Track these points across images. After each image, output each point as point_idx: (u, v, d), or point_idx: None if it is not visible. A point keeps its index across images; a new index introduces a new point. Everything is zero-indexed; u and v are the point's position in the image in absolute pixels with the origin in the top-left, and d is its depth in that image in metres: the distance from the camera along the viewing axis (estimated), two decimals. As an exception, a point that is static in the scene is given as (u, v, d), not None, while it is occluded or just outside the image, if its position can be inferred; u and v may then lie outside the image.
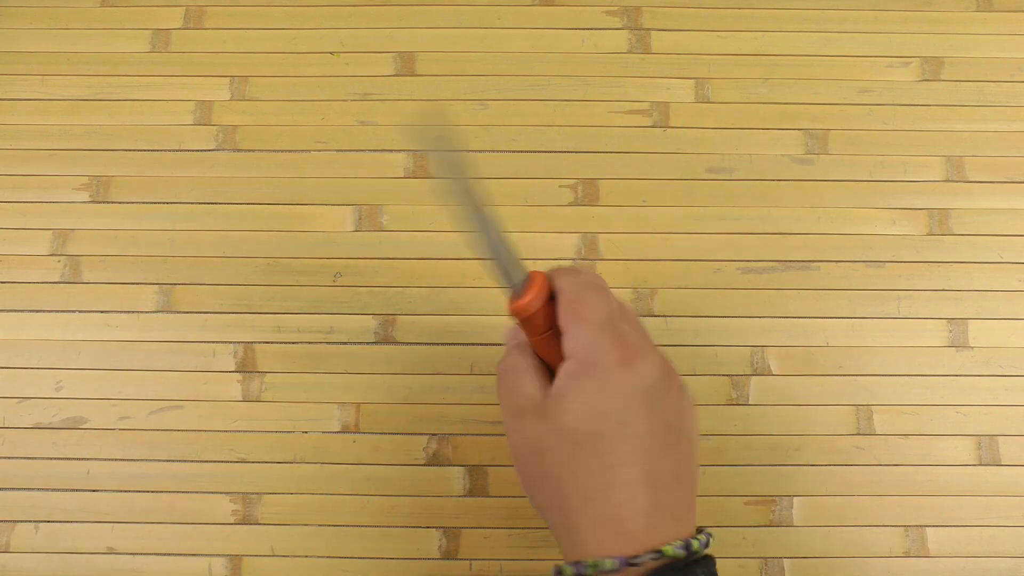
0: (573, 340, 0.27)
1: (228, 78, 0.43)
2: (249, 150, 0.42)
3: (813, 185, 0.42)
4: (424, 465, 0.39)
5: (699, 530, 0.27)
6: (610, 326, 0.27)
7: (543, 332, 0.28)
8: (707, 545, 0.27)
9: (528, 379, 0.28)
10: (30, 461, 0.39)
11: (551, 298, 0.29)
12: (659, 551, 0.25)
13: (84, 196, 0.42)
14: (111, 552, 0.38)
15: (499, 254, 0.29)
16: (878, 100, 0.43)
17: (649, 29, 0.44)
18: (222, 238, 0.41)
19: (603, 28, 0.44)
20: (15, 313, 0.40)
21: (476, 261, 0.41)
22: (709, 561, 0.27)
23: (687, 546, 0.26)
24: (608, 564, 0.25)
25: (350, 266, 0.41)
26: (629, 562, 0.25)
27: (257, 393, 0.39)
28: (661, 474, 0.26)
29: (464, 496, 0.38)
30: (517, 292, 0.29)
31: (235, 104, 0.43)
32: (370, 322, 0.40)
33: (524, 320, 0.29)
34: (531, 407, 0.28)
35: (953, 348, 0.40)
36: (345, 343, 0.40)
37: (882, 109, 0.43)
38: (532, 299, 0.28)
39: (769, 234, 0.41)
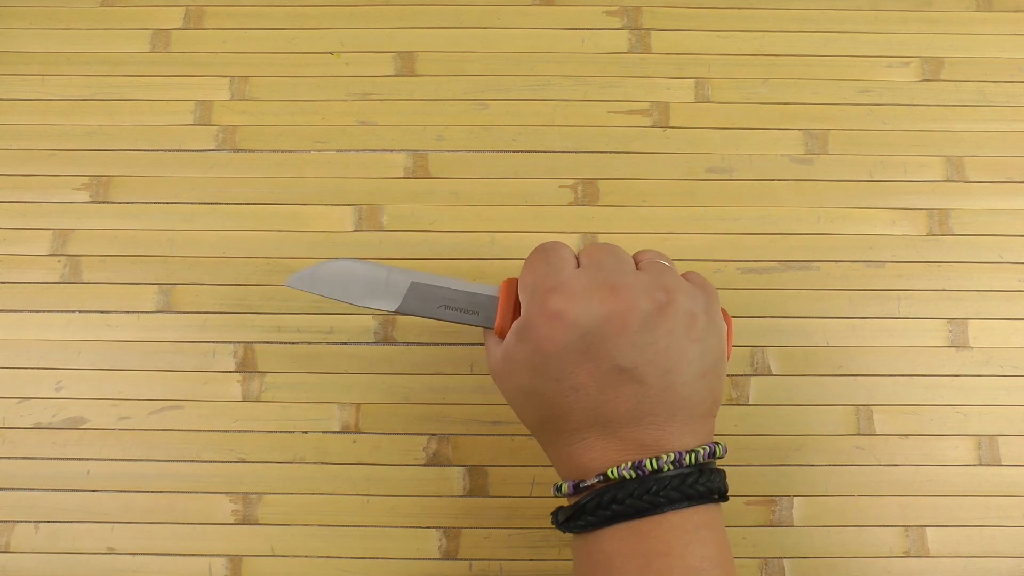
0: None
1: (228, 78, 0.43)
2: (249, 150, 0.42)
3: (813, 185, 0.42)
4: (424, 465, 0.39)
5: (691, 450, 0.28)
6: (541, 285, 0.29)
7: None
8: (682, 461, 0.28)
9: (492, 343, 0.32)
10: (30, 461, 0.39)
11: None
12: (603, 474, 0.28)
13: (84, 196, 0.42)
14: (111, 552, 0.38)
15: (462, 309, 0.32)
16: (878, 100, 0.43)
17: (649, 29, 0.44)
18: (222, 238, 0.41)
19: (603, 28, 0.44)
20: (15, 313, 0.40)
21: (474, 262, 0.41)
22: (687, 475, 0.28)
23: (638, 466, 0.27)
24: (564, 488, 0.29)
25: (350, 266, 0.41)
26: (578, 485, 0.29)
27: (257, 393, 0.39)
28: (614, 416, 0.28)
29: (464, 496, 0.38)
30: (492, 320, 0.31)
31: (235, 104, 0.43)
32: (370, 322, 0.40)
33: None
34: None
35: (953, 348, 0.40)
36: (345, 343, 0.40)
37: (882, 109, 0.43)
38: (500, 320, 0.31)
39: (769, 234, 0.41)
